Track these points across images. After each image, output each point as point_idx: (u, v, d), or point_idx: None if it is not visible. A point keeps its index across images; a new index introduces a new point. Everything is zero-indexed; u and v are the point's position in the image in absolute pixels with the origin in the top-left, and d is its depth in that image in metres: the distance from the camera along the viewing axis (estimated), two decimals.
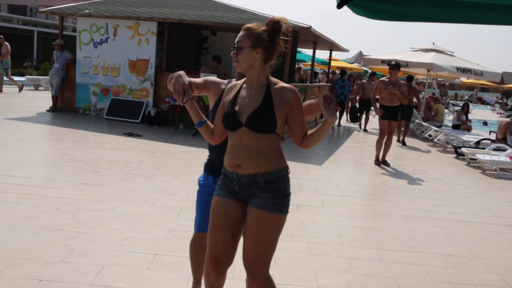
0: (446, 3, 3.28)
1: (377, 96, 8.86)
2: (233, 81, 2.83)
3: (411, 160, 9.74)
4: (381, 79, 8.74)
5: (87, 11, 11.94)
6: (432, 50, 15.13)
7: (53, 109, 12.08)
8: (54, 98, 12.19)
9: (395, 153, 10.41)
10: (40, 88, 18.13)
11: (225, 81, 2.99)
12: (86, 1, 13.85)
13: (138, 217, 4.81)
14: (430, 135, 12.98)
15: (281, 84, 2.57)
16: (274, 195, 2.49)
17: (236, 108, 2.52)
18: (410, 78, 12.84)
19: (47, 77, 18.40)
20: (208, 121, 2.67)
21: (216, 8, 12.09)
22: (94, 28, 11.99)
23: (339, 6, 3.07)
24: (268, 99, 2.49)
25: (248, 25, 2.57)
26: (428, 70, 14.36)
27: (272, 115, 2.46)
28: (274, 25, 2.53)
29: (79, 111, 12.18)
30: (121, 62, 11.81)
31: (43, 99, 14.34)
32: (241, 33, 2.56)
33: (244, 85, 2.62)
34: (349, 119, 15.73)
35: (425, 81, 18.48)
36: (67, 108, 12.41)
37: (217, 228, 2.57)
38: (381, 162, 8.75)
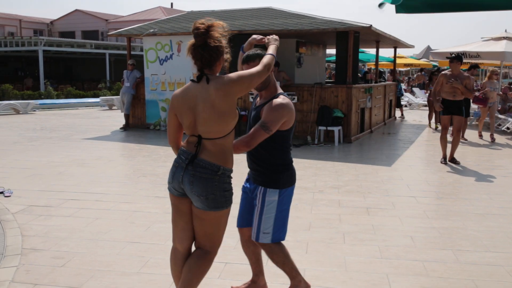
0: None
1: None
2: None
3: (487, 156, 9.26)
4: (443, 72, 8.37)
5: (151, 30, 12.45)
6: (504, 38, 14.34)
7: (126, 127, 12.65)
8: (126, 117, 12.76)
9: (470, 149, 9.94)
10: (114, 107, 19.06)
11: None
12: (152, 21, 14.43)
13: None
14: (508, 128, 12.29)
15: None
16: None
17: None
18: (473, 66, 11.78)
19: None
20: None
21: (275, 16, 12.18)
22: (159, 46, 12.47)
23: (380, 5, 3.05)
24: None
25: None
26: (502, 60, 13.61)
27: None
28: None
29: (150, 127, 12.69)
30: (186, 76, 12.17)
31: (117, 118, 15.07)
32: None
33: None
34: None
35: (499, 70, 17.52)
36: (139, 125, 12.96)
37: None
38: (449, 160, 8.35)
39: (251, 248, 3.37)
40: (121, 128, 12.62)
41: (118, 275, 3.78)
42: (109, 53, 28.33)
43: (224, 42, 2.75)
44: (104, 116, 16.28)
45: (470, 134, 11.65)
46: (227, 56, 2.81)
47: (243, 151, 2.98)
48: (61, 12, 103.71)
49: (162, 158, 8.63)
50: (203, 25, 2.69)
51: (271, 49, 3.06)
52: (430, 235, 4.75)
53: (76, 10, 43.33)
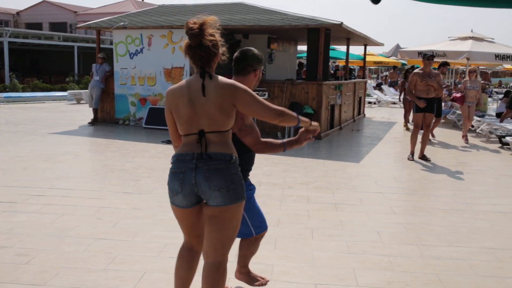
0: None
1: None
2: None
3: (452, 153, 9.48)
4: (415, 71, 8.54)
5: (121, 23, 12.26)
6: (470, 38, 14.70)
7: (94, 122, 12.44)
8: (95, 111, 12.55)
9: (436, 146, 10.17)
10: (82, 101, 18.71)
11: None
12: (121, 14, 14.20)
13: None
14: (472, 126, 12.60)
15: None
16: None
17: None
18: (443, 64, 11.51)
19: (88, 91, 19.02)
20: None
21: (247, 11, 12.17)
22: (129, 40, 12.29)
23: (376, 2, 3.03)
24: None
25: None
26: (468, 59, 13.94)
27: None
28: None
29: (119, 121, 12.51)
30: (157, 71, 12.05)
31: (85, 112, 14.80)
32: None
33: None
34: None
35: (465, 70, 17.94)
36: (107, 119, 12.76)
37: None
38: (420, 157, 8.53)
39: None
40: (89, 123, 12.40)
41: (84, 272, 3.72)
42: (78, 46, 27.75)
43: (218, 37, 2.65)
44: (72, 110, 15.97)
45: (453, 135, 11.87)
46: (223, 49, 2.70)
47: None
48: (28, 3, 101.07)
49: (131, 153, 8.53)
50: (196, 25, 2.58)
51: (303, 119, 2.92)
52: (396, 231, 4.84)
53: (44, 1, 42.21)
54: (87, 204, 5.48)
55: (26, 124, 12.11)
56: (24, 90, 21.22)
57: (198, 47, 2.59)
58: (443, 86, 8.75)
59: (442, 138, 11.32)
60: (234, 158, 2.65)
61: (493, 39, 15.44)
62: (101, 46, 13.91)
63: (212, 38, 2.61)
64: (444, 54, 13.63)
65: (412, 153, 8.56)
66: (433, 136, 11.20)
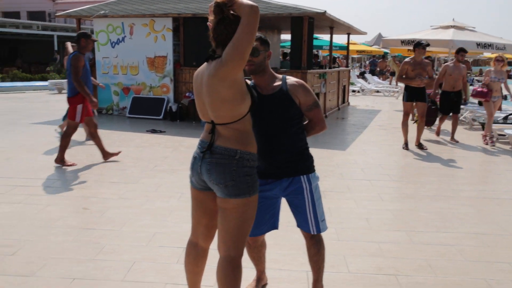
0: None
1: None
2: None
3: (436, 140, 9.57)
4: (406, 60, 8.47)
5: (102, 12, 12.04)
6: (452, 26, 14.80)
7: None
8: None
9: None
10: (63, 91, 18.40)
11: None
12: (102, 2, 13.96)
13: (165, 212, 4.85)
14: (465, 118, 12.71)
15: None
16: None
17: None
18: (461, 49, 9.55)
19: None
20: None
21: None
22: (110, 28, 12.09)
23: None
24: None
25: None
26: (450, 48, 14.05)
27: None
28: None
29: (102, 111, 12.33)
30: (139, 60, 11.89)
31: (66, 102, 14.53)
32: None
33: None
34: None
35: (447, 59, 18.11)
36: None
37: None
38: (416, 145, 8.56)
39: (261, 251, 3.22)
40: None
41: (73, 262, 3.67)
42: (57, 35, 27.25)
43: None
44: (53, 100, 15.70)
45: (471, 137, 11.52)
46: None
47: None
48: None
49: (116, 143, 8.42)
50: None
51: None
52: (385, 217, 4.87)
53: None
54: (72, 194, 5.39)
55: (6, 114, 11.87)
56: (3, 80, 20.78)
57: (222, 22, 2.40)
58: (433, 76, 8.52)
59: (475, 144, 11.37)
60: (240, 153, 2.50)
61: (474, 28, 15.57)
62: None
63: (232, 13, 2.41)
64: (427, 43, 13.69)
65: (406, 143, 8.55)
66: (455, 141, 9.45)
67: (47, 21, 36.28)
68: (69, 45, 7.89)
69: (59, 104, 14.51)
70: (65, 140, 6.70)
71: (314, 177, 2.99)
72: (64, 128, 7.56)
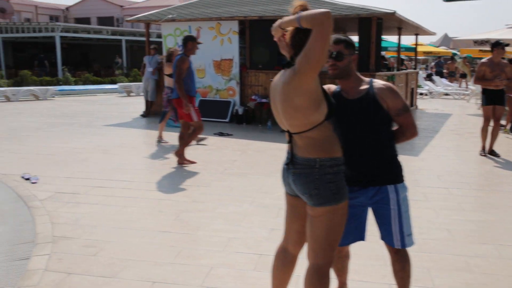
0: None
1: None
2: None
3: None
4: (483, 61, 8.01)
5: (170, 16, 12.31)
6: None
7: (146, 114, 12.56)
8: (149, 104, 12.59)
9: (503, 140, 9.69)
10: (132, 94, 19.01)
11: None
12: (167, 7, 14.28)
13: (238, 217, 4.83)
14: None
15: None
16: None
17: None
18: None
19: (138, 83, 19.33)
20: None
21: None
22: (178, 32, 12.33)
23: None
24: None
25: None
26: None
27: None
28: None
29: None
30: (206, 63, 12.04)
31: (136, 104, 15.02)
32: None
33: None
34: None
35: None
36: (159, 112, 12.85)
37: None
38: (488, 152, 8.09)
39: (345, 261, 3.12)
40: (141, 115, 12.55)
41: (151, 265, 3.70)
42: (125, 40, 28.25)
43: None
44: (123, 103, 16.24)
45: None
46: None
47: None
48: None
49: None
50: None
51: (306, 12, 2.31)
52: (468, 228, 4.59)
53: None
54: (147, 196, 5.49)
55: (80, 116, 12.39)
56: (76, 84, 21.78)
57: (300, 29, 2.34)
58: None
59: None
60: (319, 161, 2.42)
61: None
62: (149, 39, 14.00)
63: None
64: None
65: (484, 148, 8.10)
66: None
67: (115, 26, 37.69)
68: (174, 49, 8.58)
69: (129, 106, 14.99)
70: (191, 137, 6.93)
71: (403, 187, 2.84)
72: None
